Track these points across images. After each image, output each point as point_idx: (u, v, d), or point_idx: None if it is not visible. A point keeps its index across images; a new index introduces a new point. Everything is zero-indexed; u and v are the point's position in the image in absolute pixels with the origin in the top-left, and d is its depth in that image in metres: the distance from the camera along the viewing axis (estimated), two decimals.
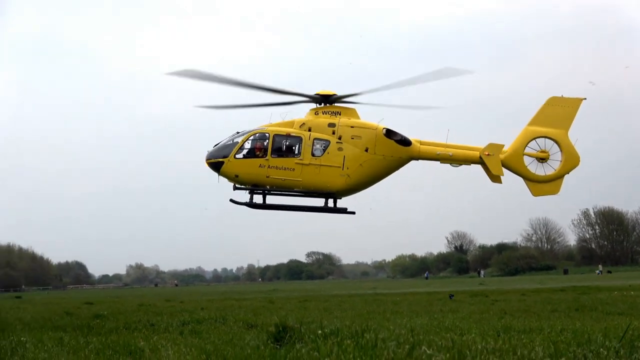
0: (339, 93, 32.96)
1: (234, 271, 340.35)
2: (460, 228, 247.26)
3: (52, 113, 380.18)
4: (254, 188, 32.94)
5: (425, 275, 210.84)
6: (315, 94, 33.27)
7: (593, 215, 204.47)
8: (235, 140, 32.90)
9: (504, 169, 31.38)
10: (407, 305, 44.41)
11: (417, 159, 32.76)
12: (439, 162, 32.45)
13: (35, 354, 17.40)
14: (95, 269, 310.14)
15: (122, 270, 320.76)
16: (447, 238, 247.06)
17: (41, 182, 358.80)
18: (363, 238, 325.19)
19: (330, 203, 33.65)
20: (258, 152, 32.04)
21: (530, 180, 31.42)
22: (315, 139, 31.80)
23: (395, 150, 32.12)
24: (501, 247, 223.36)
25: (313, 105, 33.99)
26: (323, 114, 33.11)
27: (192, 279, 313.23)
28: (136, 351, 17.25)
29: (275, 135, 32.13)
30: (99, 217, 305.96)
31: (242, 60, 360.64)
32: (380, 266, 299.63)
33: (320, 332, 18.04)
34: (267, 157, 31.87)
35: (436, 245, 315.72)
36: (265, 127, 32.92)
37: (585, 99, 30.97)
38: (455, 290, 72.61)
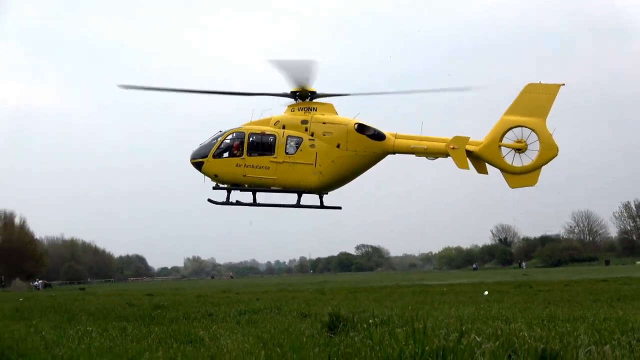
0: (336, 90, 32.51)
1: (286, 263, 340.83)
2: (504, 221, 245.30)
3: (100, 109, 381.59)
4: (232, 187, 32.47)
5: (474, 266, 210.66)
6: (294, 90, 32.70)
7: (634, 208, 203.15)
8: (214, 140, 32.52)
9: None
10: (454, 295, 44.35)
11: (392, 152, 31.24)
12: (415, 155, 31.17)
13: (100, 342, 17.60)
14: (155, 262, 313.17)
15: (180, 263, 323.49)
16: (491, 231, 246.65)
17: (103, 179, 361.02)
18: (410, 230, 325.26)
19: (316, 200, 33.20)
20: (235, 151, 31.45)
21: (507, 171, 29.61)
22: (288, 136, 30.95)
23: (368, 145, 30.87)
24: (544, 240, 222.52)
25: (291, 101, 33.31)
26: (299, 110, 32.21)
27: (246, 271, 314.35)
28: (196, 340, 17.38)
29: (251, 134, 31.44)
30: (157, 212, 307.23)
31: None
32: (427, 258, 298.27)
33: (371, 321, 18.09)
34: (243, 156, 31.19)
35: (481, 238, 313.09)
36: (242, 126, 32.46)
37: (563, 84, 29.07)
38: (500, 280, 72.37)
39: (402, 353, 10.84)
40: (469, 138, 29.64)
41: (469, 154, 29.67)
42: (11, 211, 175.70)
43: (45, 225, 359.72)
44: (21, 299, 54.41)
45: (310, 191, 31.57)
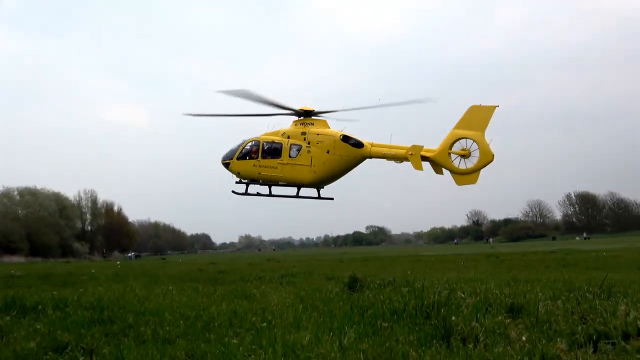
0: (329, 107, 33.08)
1: (314, 239, 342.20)
2: (476, 207, 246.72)
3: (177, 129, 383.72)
4: (250, 182, 33.31)
5: (456, 241, 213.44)
6: (299, 109, 33.09)
7: (574, 197, 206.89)
8: (238, 146, 33.47)
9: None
10: (441, 263, 44.24)
11: (370, 157, 32.07)
12: (386, 159, 31.87)
13: (179, 298, 17.58)
14: (217, 239, 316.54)
15: (236, 239, 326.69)
16: (467, 215, 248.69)
17: (181, 177, 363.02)
18: (406, 213, 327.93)
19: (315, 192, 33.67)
20: (253, 155, 32.24)
21: (454, 172, 30.21)
22: (292, 144, 31.75)
23: (350, 152, 31.45)
24: (507, 221, 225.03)
25: (296, 118, 34.00)
26: (301, 124, 32.57)
27: (284, 245, 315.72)
28: (250, 296, 17.32)
29: (264, 142, 32.28)
30: (218, 200, 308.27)
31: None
32: (419, 235, 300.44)
33: (380, 282, 18.05)
34: (258, 159, 32.08)
35: (458, 219, 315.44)
36: (258, 136, 33.21)
37: (498, 106, 29.88)
38: (473, 252, 72.26)
39: (406, 306, 10.78)
40: (422, 146, 30.36)
41: (427, 159, 30.38)
42: (111, 201, 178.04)
43: (136, 210, 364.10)
44: (119, 266, 54.68)
45: (307, 185, 32.41)
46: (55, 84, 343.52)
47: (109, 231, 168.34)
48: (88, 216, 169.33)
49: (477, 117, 29.30)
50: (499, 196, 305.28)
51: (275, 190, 33.27)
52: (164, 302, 16.05)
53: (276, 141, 32.20)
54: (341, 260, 57.98)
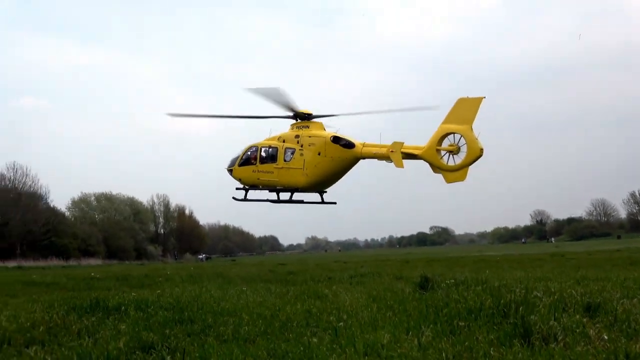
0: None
1: (378, 240, 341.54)
2: (539, 207, 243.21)
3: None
4: (251, 188, 32.93)
5: (523, 240, 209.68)
6: (296, 112, 32.38)
7: (638, 196, 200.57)
8: (240, 153, 33.18)
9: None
10: (506, 262, 43.66)
11: (361, 158, 30.99)
12: (377, 159, 30.71)
13: (254, 298, 17.71)
14: (284, 240, 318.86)
15: (302, 241, 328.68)
16: (530, 214, 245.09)
17: None
18: (470, 213, 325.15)
19: (318, 197, 33.05)
20: (252, 161, 31.72)
21: (443, 169, 28.74)
22: (286, 147, 30.91)
23: (341, 153, 30.23)
24: (570, 220, 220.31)
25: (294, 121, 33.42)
26: (297, 128, 31.85)
27: (349, 246, 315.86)
28: (322, 296, 17.34)
29: (262, 147, 31.64)
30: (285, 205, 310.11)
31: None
32: (483, 235, 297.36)
33: (449, 281, 17.87)
34: (257, 164, 31.60)
35: (522, 219, 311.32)
36: (257, 142, 32.80)
37: (484, 97, 28.26)
38: (538, 252, 71.18)
39: (483, 305, 10.62)
40: (403, 143, 28.88)
41: (415, 156, 29.08)
42: (183, 205, 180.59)
43: (207, 214, 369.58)
44: (192, 268, 55.47)
45: (301, 189, 31.63)
46: (123, 92, 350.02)
47: (180, 234, 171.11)
48: (161, 220, 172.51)
49: (465, 110, 27.61)
50: (563, 195, 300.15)
51: (275, 195, 32.85)
52: (239, 303, 16.19)
53: (272, 146, 31.65)
54: (407, 261, 57.71)
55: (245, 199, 33.87)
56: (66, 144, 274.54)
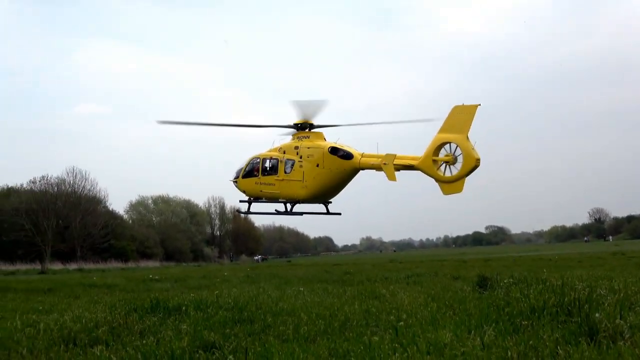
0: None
1: (434, 240, 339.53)
2: (598, 204, 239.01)
3: None
4: (254, 200, 32.68)
5: (586, 239, 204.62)
6: (297, 122, 31.94)
7: None
8: (243, 164, 32.95)
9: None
10: (566, 261, 42.98)
11: (360, 169, 30.32)
12: (375, 170, 29.80)
13: (311, 298, 17.76)
14: (339, 241, 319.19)
15: (357, 241, 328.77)
16: (588, 212, 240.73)
17: None
18: (526, 212, 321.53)
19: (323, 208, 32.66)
20: (255, 173, 31.40)
21: (439, 181, 27.62)
22: (286, 159, 30.51)
23: (339, 164, 29.42)
24: (630, 218, 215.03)
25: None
26: (297, 138, 31.36)
27: (404, 246, 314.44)
28: (380, 296, 17.31)
29: (264, 159, 31.19)
30: (340, 203, 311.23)
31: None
32: (539, 234, 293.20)
33: (507, 280, 17.65)
34: (259, 176, 31.27)
35: (580, 217, 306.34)
36: (259, 154, 32.47)
37: (479, 105, 27.00)
38: (598, 251, 69.84)
39: (546, 303, 10.45)
40: (395, 155, 28.13)
41: (411, 167, 28.19)
42: (238, 207, 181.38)
43: (262, 216, 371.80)
44: (248, 269, 55.91)
45: (301, 201, 31.22)
46: (180, 97, 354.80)
47: (236, 236, 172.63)
48: (216, 222, 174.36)
49: (460, 119, 26.58)
50: (622, 193, 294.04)
51: (279, 207, 32.63)
52: (297, 303, 16.24)
53: (273, 157, 31.34)
54: (463, 261, 57.24)
55: (248, 212, 34.09)
56: (124, 148, 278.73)
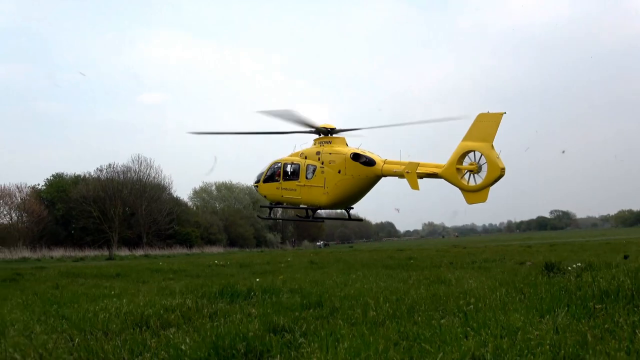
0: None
1: (497, 225, 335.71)
2: None
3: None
4: (275, 206, 32.26)
5: None
6: (319, 127, 31.15)
7: None
8: (264, 169, 32.51)
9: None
10: (635, 246, 41.98)
11: (382, 175, 29.42)
12: (398, 177, 28.85)
13: (377, 283, 17.78)
14: (400, 226, 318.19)
15: (419, 227, 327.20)
16: None
17: None
18: (592, 196, 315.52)
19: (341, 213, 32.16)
20: (276, 177, 30.87)
21: (463, 189, 26.57)
22: (308, 164, 29.81)
23: (361, 171, 28.52)
24: None
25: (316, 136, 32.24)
26: (319, 143, 30.39)
27: (467, 231, 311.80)
28: (446, 281, 17.22)
29: (285, 164, 30.63)
30: (403, 189, 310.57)
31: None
32: (605, 219, 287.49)
33: (574, 265, 17.41)
34: (280, 181, 30.75)
35: None
36: (281, 158, 31.82)
37: (505, 113, 25.86)
38: None
39: (620, 287, 10.24)
40: (418, 164, 27.26)
41: (435, 175, 27.31)
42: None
43: None
44: (312, 254, 56.18)
45: (322, 207, 30.69)
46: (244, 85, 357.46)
47: (298, 221, 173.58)
48: None
49: (485, 127, 25.63)
50: None
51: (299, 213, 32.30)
52: (363, 287, 16.28)
53: (295, 162, 30.91)
54: (529, 246, 56.46)
55: (269, 217, 34.10)
56: (186, 135, 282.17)
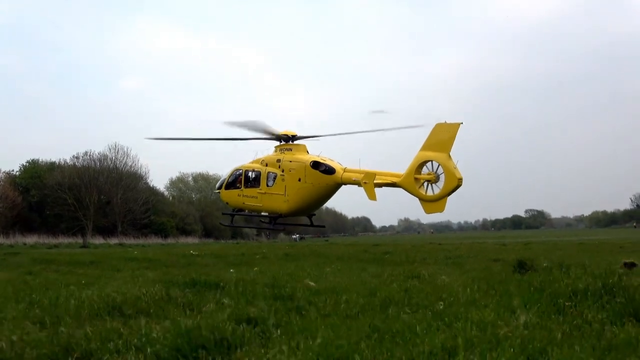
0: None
1: (472, 223, 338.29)
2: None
3: None
4: (237, 213, 32.26)
5: (635, 225, 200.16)
6: (280, 134, 31.08)
7: None
8: (226, 175, 32.43)
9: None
10: (608, 247, 42.58)
11: (342, 183, 29.40)
12: (357, 186, 28.77)
13: (349, 277, 17.85)
14: (377, 222, 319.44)
15: (395, 222, 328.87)
16: (631, 198, 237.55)
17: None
18: (567, 196, 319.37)
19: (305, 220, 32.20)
20: (238, 184, 30.94)
21: (422, 199, 26.73)
22: (268, 172, 29.84)
23: (321, 179, 28.59)
24: None
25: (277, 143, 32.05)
26: (280, 150, 30.58)
27: (442, 228, 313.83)
28: (418, 276, 17.30)
29: (246, 171, 30.67)
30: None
31: None
32: (580, 219, 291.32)
33: (545, 265, 17.65)
34: (242, 188, 30.71)
35: (622, 203, 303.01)
36: (242, 165, 31.65)
37: (462, 123, 25.99)
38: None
39: (588, 286, 10.40)
40: (375, 174, 27.23)
41: (394, 184, 27.32)
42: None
43: None
44: (287, 247, 56.20)
45: (283, 215, 30.57)
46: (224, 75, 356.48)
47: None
48: None
49: (442, 137, 25.61)
50: None
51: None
52: (336, 281, 16.33)
53: (256, 169, 30.73)
54: (503, 244, 56.90)
55: (231, 225, 33.98)
56: (166, 125, 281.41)
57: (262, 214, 31.32)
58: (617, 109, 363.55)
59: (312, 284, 15.14)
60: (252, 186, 30.56)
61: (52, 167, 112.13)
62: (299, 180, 29.04)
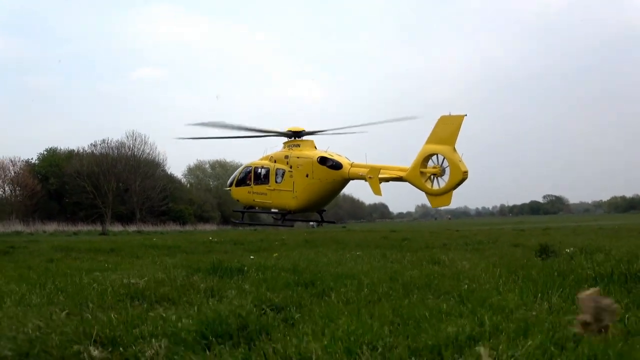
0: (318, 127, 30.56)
1: (489, 209, 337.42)
2: None
3: None
4: (247, 210, 32.24)
5: None
6: (286, 130, 31.26)
7: None
8: (236, 172, 32.37)
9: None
10: (627, 232, 42.35)
11: (349, 179, 29.11)
12: (364, 180, 28.44)
13: (370, 263, 17.83)
14: (394, 208, 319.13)
15: (412, 209, 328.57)
16: None
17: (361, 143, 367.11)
18: (585, 182, 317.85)
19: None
20: (248, 182, 31.04)
21: (427, 193, 26.43)
22: (277, 168, 29.98)
23: (328, 174, 28.83)
24: None
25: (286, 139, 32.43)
26: (288, 147, 30.96)
27: (460, 214, 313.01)
28: (439, 262, 17.27)
29: (255, 168, 30.96)
30: None
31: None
32: (598, 205, 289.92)
33: (568, 250, 17.53)
34: (251, 185, 30.70)
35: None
36: (252, 162, 32.22)
37: (466, 115, 25.52)
38: None
39: (613, 272, 10.33)
40: (380, 169, 26.98)
41: (399, 178, 27.03)
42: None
43: None
44: (305, 233, 56.32)
45: (292, 211, 30.67)
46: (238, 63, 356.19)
47: None
48: None
49: (446, 129, 25.23)
50: None
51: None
52: (357, 267, 16.33)
53: (265, 166, 30.79)
54: (522, 229, 56.77)
55: (242, 223, 34.09)
56: (182, 112, 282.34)
57: (272, 210, 31.48)
58: (638, 94, 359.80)
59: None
60: (261, 183, 30.80)
61: (70, 155, 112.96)
62: (307, 176, 29.24)
